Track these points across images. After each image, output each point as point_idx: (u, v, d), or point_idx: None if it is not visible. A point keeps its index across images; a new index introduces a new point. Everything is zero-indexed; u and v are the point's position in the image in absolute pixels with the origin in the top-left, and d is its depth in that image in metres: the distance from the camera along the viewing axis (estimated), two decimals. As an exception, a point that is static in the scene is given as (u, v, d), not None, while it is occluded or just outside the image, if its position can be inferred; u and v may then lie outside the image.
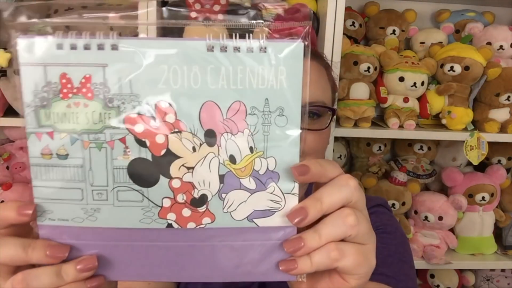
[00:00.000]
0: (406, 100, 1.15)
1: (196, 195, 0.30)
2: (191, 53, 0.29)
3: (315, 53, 0.61)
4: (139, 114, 0.28)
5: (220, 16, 1.20)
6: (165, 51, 0.29)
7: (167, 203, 0.29)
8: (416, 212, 1.24)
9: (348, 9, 1.27)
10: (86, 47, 0.27)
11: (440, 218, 1.20)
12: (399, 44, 1.28)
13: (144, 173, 0.29)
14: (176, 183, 0.29)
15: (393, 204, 1.22)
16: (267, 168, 0.30)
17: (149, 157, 0.29)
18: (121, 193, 0.29)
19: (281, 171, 0.30)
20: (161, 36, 1.11)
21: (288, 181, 0.30)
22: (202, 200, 0.30)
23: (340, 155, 1.32)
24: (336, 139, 1.25)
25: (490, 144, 1.15)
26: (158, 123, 0.28)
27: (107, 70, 0.27)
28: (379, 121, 1.21)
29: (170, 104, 0.28)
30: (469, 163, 1.36)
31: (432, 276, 1.34)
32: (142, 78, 0.28)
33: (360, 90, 1.13)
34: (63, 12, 1.30)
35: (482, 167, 1.30)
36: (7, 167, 1.11)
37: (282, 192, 0.30)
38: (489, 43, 1.25)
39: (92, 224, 0.29)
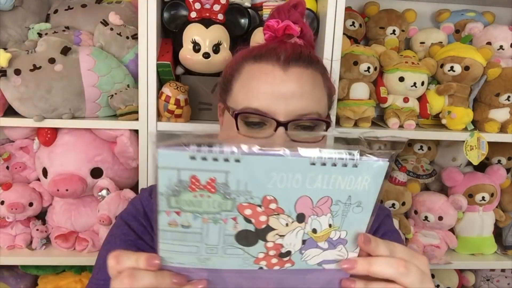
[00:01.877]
0: (406, 100, 1.15)
1: (283, 251, 0.41)
2: (296, 166, 0.36)
3: (310, 60, 0.60)
4: (249, 203, 0.37)
5: (220, 16, 1.19)
6: (276, 165, 0.36)
7: (261, 255, 0.41)
8: (416, 212, 1.24)
9: (348, 9, 1.27)
10: (215, 159, 0.34)
11: (440, 218, 1.20)
12: (399, 44, 1.28)
13: (247, 239, 0.39)
14: (270, 244, 0.40)
15: (393, 204, 1.22)
16: (339, 237, 0.41)
17: (252, 229, 0.39)
18: (228, 249, 0.40)
19: (350, 239, 0.41)
20: (161, 35, 1.11)
21: (353, 245, 0.42)
22: (287, 254, 0.41)
23: (340, 155, 1.32)
24: (336, 139, 1.25)
25: (490, 144, 1.15)
26: (263, 209, 0.38)
27: (229, 175, 0.35)
28: (379, 121, 1.21)
29: (274, 197, 0.37)
30: (469, 163, 1.36)
31: (432, 276, 1.34)
32: (256, 181, 0.36)
33: (360, 90, 1.13)
34: (63, 11, 1.31)
35: (482, 167, 1.30)
36: (7, 167, 1.11)
37: (347, 251, 0.42)
38: (489, 43, 1.25)
39: (203, 266, 0.41)
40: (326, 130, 0.61)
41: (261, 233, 0.39)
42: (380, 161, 0.37)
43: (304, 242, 0.41)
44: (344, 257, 0.42)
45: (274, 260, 0.41)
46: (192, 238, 0.38)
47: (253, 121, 0.58)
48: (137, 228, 0.66)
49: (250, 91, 0.58)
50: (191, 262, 0.40)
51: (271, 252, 0.41)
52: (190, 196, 0.36)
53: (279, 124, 0.56)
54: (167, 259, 0.40)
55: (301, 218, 0.39)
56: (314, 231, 0.40)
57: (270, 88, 0.56)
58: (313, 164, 0.36)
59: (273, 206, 0.38)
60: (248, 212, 0.38)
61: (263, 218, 0.38)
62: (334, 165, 0.36)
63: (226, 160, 0.34)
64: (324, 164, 0.36)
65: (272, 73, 0.57)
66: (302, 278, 0.44)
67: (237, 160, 0.34)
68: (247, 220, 0.38)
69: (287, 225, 0.39)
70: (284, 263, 0.42)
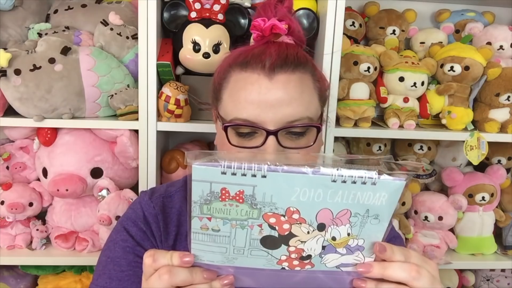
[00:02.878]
0: (406, 100, 1.15)
1: (304, 254, 0.44)
2: (318, 183, 0.39)
3: (298, 61, 0.59)
4: (274, 213, 0.41)
5: (220, 16, 1.19)
6: (299, 182, 0.39)
7: (283, 257, 0.45)
8: (416, 212, 1.24)
9: (348, 9, 1.27)
10: (243, 174, 0.38)
11: (440, 218, 1.20)
12: (399, 44, 1.28)
13: (272, 243, 0.43)
14: (292, 249, 0.44)
15: (393, 204, 1.22)
16: (357, 244, 0.44)
17: (276, 235, 0.43)
18: (253, 251, 0.44)
19: (366, 246, 0.45)
20: (161, 35, 1.11)
21: (370, 251, 0.45)
22: (308, 257, 0.45)
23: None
24: (336, 139, 1.25)
25: (490, 144, 1.15)
26: (286, 218, 0.41)
27: (256, 189, 0.39)
28: (379, 121, 1.21)
29: (297, 209, 0.41)
30: (469, 163, 1.36)
31: (432, 276, 1.34)
32: (281, 195, 0.40)
33: (360, 90, 1.13)
34: (63, 11, 1.31)
35: (482, 167, 1.30)
36: (7, 167, 1.11)
37: (363, 256, 0.45)
38: (489, 43, 1.25)
39: (230, 265, 0.45)
40: (317, 134, 0.60)
41: (284, 239, 0.43)
42: (397, 181, 0.40)
43: (323, 247, 0.44)
44: (361, 261, 0.46)
45: (296, 262, 0.45)
46: (221, 240, 0.43)
47: (243, 131, 0.58)
48: (135, 234, 0.65)
49: (238, 101, 0.57)
50: (219, 261, 0.45)
51: (293, 255, 0.45)
52: (220, 205, 0.41)
53: (268, 133, 0.56)
54: (199, 257, 0.45)
55: (321, 227, 0.43)
56: (334, 238, 0.44)
57: (257, 97, 0.56)
58: (334, 181, 0.39)
59: (295, 216, 0.41)
60: (272, 220, 0.42)
61: (286, 226, 0.42)
62: (354, 182, 0.40)
63: (254, 175, 0.39)
64: (344, 182, 0.39)
65: (257, 82, 0.57)
66: (321, 279, 0.48)
67: (264, 176, 0.39)
68: (272, 227, 0.42)
69: (308, 232, 0.43)
70: (304, 265, 0.46)
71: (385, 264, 0.45)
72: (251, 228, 0.42)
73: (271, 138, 0.56)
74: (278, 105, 0.56)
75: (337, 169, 0.39)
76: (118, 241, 0.65)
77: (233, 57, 0.61)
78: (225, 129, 0.58)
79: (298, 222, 0.42)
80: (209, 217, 0.42)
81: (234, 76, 0.59)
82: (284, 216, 0.41)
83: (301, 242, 0.43)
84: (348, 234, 0.44)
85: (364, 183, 0.40)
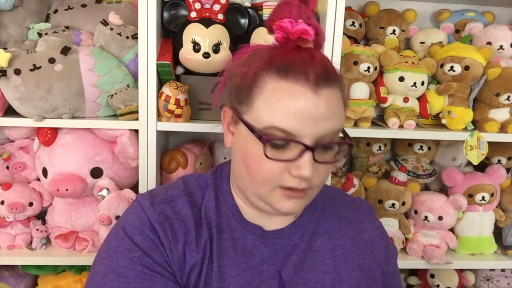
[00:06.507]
0: (406, 100, 1.15)
1: None
2: None
3: (337, 76, 0.57)
4: None
5: (220, 16, 1.20)
6: None
7: None
8: (416, 212, 1.24)
9: (348, 9, 1.27)
10: None
11: (440, 218, 1.20)
12: (399, 44, 1.28)
13: None
14: None
15: (393, 204, 1.22)
16: None
17: None
18: None
19: None
20: (161, 35, 1.11)
21: None
22: None
23: (340, 155, 1.32)
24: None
25: (490, 144, 1.15)
26: None
27: None
28: (379, 121, 1.21)
29: None
30: (469, 163, 1.36)
31: (432, 276, 1.34)
32: None
33: (360, 90, 1.13)
34: (63, 11, 1.32)
35: (482, 167, 1.30)
36: (7, 167, 1.11)
37: None
38: (489, 43, 1.25)
39: None
40: (349, 152, 0.59)
41: None
42: None
43: None
44: None
45: None
46: None
47: (279, 143, 0.55)
48: (142, 243, 0.60)
49: (278, 111, 0.54)
50: None
51: None
52: None
53: (306, 148, 0.54)
54: None
55: None
56: None
57: (303, 111, 0.53)
58: None
59: None
60: None
61: None
62: None
63: None
64: None
65: (303, 95, 0.54)
66: None
67: None
68: None
69: None
70: None
71: None
72: None
73: (308, 154, 0.54)
74: (320, 120, 0.54)
75: None
76: (123, 250, 0.59)
77: (265, 60, 0.57)
78: (264, 142, 0.55)
79: None
80: None
81: (272, 84, 0.55)
82: None
83: None
84: None
85: None
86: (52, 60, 0.96)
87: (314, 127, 0.54)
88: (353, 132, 1.11)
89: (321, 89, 0.54)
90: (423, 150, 1.34)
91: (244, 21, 1.06)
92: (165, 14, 1.04)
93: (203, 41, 1.00)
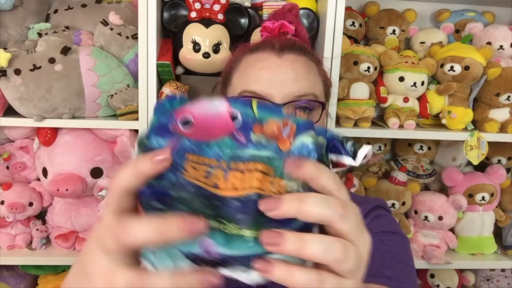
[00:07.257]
0: (406, 100, 1.15)
1: None
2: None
3: (304, 49, 0.64)
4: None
5: (220, 16, 1.20)
6: None
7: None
8: (416, 212, 1.24)
9: (348, 9, 1.27)
10: None
11: (440, 218, 1.20)
12: (399, 44, 1.28)
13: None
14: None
15: (393, 204, 1.22)
16: None
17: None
18: None
19: None
20: (161, 35, 1.11)
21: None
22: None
23: (340, 155, 1.32)
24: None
25: (490, 144, 1.15)
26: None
27: None
28: (379, 121, 1.21)
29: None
30: (469, 163, 1.36)
31: (432, 276, 1.34)
32: None
33: (360, 90, 1.13)
34: (63, 11, 1.31)
35: (482, 167, 1.30)
36: (7, 167, 1.11)
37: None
38: (489, 43, 1.25)
39: None
40: (322, 112, 0.63)
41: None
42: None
43: None
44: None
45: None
46: None
47: None
48: None
49: (247, 76, 0.61)
50: None
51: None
52: None
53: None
54: None
55: None
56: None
57: (266, 72, 0.60)
58: None
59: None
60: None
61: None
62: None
63: None
64: None
65: (267, 59, 0.61)
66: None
67: None
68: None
69: None
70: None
71: (301, 196, 0.28)
72: None
73: None
74: (285, 81, 0.59)
75: None
76: None
77: (244, 46, 0.66)
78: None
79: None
80: None
81: (245, 59, 0.64)
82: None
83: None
84: None
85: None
86: (52, 60, 0.96)
87: (280, 87, 0.59)
88: (353, 132, 1.11)
89: (284, 54, 0.62)
90: (423, 150, 1.34)
91: (244, 21, 1.06)
92: (165, 14, 1.04)
93: (203, 41, 1.00)
